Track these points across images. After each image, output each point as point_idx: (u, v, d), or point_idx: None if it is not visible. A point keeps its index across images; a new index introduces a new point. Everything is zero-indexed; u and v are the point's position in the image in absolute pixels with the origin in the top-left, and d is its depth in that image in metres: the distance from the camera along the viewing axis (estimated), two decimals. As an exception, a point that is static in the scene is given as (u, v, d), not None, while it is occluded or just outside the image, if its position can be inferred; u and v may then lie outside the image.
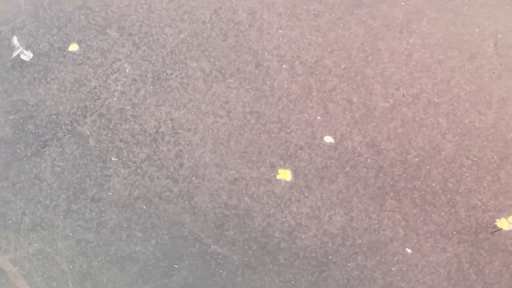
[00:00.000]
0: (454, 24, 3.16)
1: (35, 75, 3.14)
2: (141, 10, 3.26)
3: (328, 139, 2.99)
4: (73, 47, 3.18)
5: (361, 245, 2.85)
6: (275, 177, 2.95)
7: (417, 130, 2.98)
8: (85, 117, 3.06)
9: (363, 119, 3.01)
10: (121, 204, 2.94)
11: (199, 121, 3.03)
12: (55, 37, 3.21)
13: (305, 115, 3.02)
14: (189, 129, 3.02)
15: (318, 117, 3.02)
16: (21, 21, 3.25)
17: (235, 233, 2.89)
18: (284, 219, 2.89)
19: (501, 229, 2.84)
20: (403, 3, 3.21)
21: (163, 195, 2.94)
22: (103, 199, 2.95)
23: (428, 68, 3.08)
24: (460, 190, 2.90)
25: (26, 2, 3.29)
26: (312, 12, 3.21)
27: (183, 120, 3.03)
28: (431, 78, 3.07)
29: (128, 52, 3.17)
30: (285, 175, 2.96)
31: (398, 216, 2.88)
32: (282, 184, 2.94)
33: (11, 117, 3.08)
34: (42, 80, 3.13)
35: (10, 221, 2.93)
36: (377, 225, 2.87)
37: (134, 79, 3.12)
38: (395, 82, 3.07)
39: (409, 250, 2.83)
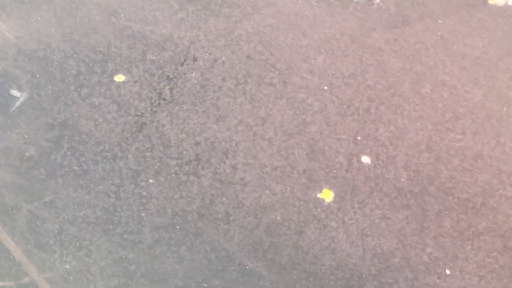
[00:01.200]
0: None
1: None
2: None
3: (365, 159, 2.99)
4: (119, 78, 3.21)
5: (403, 267, 2.82)
6: (317, 197, 2.94)
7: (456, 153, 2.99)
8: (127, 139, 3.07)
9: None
10: (158, 223, 2.92)
11: (241, 141, 3.04)
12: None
13: (344, 136, 3.03)
14: (228, 150, 3.02)
15: (358, 137, 3.03)
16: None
17: (275, 253, 2.86)
18: (329, 241, 2.86)
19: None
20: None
21: (201, 214, 2.92)
22: (139, 218, 2.93)
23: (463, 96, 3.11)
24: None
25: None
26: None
27: (222, 139, 3.04)
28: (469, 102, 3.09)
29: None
30: (327, 195, 2.95)
31: (442, 239, 2.85)
32: (325, 204, 2.93)
33: (47, 136, 3.08)
34: (86, 99, 3.14)
35: (46, 241, 2.90)
36: (421, 246, 2.84)
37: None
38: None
39: (448, 272, 2.80)
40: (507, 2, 3.21)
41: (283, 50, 3.21)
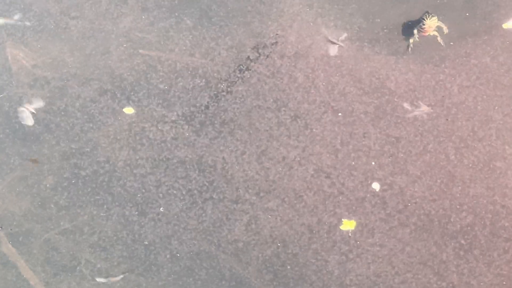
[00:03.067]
0: None
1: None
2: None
3: (376, 186, 2.99)
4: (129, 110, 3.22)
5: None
6: (339, 227, 2.96)
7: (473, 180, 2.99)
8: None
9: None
10: (178, 256, 2.94)
11: (259, 174, 3.05)
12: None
13: (353, 162, 3.04)
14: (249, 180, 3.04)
15: (373, 162, 3.04)
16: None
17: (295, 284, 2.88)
18: (354, 274, 2.88)
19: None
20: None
21: (221, 246, 2.94)
22: (159, 253, 2.95)
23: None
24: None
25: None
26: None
27: (247, 172, 3.05)
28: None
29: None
30: (349, 225, 2.96)
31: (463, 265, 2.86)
32: (348, 234, 2.95)
33: (62, 164, 3.11)
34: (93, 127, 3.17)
35: (63, 270, 2.93)
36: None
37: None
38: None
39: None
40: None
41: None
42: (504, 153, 3.00)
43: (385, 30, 3.27)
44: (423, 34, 3.21)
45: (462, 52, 3.18)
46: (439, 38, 3.20)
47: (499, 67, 3.15)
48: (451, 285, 2.85)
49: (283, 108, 3.14)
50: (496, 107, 3.08)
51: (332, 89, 3.16)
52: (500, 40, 3.19)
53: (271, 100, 3.16)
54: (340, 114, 3.13)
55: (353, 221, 2.94)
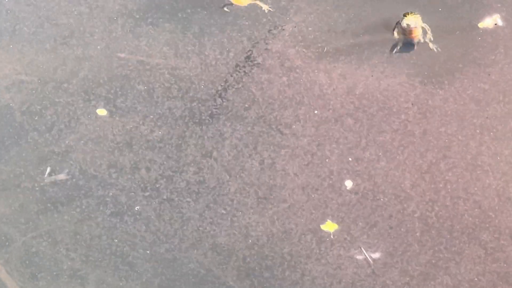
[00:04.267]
0: None
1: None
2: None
3: (348, 183, 3.00)
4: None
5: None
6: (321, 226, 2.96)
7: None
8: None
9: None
10: (150, 256, 2.94)
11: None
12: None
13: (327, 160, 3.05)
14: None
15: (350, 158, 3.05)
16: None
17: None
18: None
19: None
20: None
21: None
22: (137, 255, 2.94)
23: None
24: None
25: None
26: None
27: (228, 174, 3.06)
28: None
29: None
30: (331, 227, 2.96)
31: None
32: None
33: (41, 168, 3.10)
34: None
35: (41, 274, 2.92)
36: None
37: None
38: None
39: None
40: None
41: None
42: (489, 151, 3.01)
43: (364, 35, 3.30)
44: (411, 36, 3.18)
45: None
46: (431, 45, 3.20)
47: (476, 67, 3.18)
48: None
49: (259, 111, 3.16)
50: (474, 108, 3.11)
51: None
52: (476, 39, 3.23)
53: (253, 107, 3.18)
54: (316, 112, 3.15)
55: (335, 224, 2.94)
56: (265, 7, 3.31)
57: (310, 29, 3.33)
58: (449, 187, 2.94)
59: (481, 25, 3.24)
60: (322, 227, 2.92)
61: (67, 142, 3.13)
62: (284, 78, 3.21)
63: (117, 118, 3.17)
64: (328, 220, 2.93)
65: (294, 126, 3.11)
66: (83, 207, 3.01)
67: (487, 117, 3.06)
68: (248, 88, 3.21)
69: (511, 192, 2.91)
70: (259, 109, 3.16)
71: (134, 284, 2.89)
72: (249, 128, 3.12)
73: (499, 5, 3.27)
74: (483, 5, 3.28)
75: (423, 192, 2.94)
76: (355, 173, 3.00)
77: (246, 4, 3.33)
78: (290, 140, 3.08)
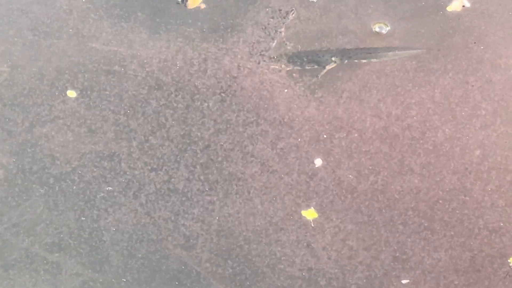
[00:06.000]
0: None
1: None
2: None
3: (318, 162, 3.03)
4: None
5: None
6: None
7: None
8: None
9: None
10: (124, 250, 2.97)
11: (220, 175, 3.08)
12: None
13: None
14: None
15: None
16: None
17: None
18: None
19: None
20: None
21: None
22: (111, 249, 2.97)
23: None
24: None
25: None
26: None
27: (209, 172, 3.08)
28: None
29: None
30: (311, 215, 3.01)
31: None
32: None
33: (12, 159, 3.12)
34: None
35: (13, 263, 2.95)
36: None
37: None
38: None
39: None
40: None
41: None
42: (443, 148, 3.05)
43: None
44: None
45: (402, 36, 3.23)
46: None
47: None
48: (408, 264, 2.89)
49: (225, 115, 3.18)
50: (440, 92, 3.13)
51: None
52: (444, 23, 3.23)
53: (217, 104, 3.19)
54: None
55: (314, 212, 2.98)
56: None
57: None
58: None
59: (449, 8, 3.25)
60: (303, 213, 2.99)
61: (38, 129, 3.15)
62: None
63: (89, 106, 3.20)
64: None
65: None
66: (55, 196, 3.04)
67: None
68: (217, 78, 3.23)
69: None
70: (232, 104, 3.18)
71: (109, 276, 2.93)
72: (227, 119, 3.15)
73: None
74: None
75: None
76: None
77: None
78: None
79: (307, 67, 3.21)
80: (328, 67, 3.20)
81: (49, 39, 3.33)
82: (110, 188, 3.03)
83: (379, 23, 3.29)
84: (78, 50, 3.30)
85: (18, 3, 3.44)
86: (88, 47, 3.31)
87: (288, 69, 3.22)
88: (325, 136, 3.07)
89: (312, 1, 3.34)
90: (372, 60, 3.19)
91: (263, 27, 3.30)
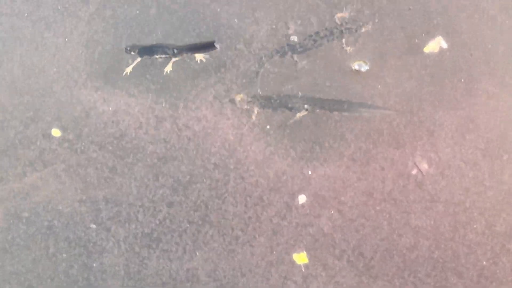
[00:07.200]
0: None
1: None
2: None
3: (302, 199, 3.17)
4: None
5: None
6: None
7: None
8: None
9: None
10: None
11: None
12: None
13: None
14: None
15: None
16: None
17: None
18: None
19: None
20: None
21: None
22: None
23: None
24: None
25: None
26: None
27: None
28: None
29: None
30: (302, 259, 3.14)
31: None
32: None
33: None
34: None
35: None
36: None
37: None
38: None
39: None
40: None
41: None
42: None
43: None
44: None
45: (382, 75, 3.32)
46: None
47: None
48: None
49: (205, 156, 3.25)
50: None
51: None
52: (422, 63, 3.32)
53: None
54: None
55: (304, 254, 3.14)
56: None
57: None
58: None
59: (426, 49, 3.32)
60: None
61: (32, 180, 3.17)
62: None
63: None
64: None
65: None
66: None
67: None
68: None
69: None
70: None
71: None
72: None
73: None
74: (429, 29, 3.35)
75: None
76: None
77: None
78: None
79: (278, 112, 3.26)
80: (299, 115, 3.26)
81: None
82: (94, 225, 3.10)
83: (359, 61, 3.36)
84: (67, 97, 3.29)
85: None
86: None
87: (258, 111, 3.27)
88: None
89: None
90: (344, 113, 3.25)
91: (237, 70, 3.34)
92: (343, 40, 3.28)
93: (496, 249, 3.15)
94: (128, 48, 3.21)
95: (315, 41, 3.32)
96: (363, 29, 3.31)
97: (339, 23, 3.32)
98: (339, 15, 3.34)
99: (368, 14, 3.31)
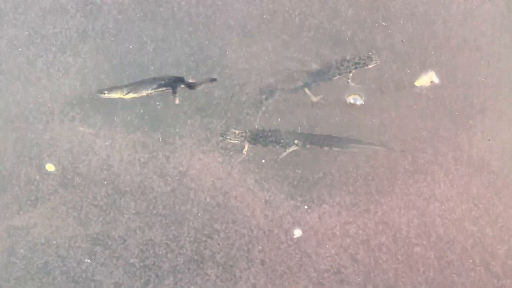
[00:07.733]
0: None
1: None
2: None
3: (297, 232, 3.19)
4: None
5: None
6: None
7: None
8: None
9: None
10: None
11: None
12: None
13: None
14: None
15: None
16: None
17: None
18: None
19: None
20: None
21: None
22: None
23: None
24: None
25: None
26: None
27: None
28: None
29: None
30: None
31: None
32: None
33: None
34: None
35: None
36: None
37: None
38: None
39: None
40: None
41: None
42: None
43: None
44: None
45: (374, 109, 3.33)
46: None
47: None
48: None
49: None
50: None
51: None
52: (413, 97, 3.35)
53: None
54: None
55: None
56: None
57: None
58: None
59: (417, 83, 3.34)
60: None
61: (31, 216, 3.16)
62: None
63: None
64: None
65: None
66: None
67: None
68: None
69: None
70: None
71: None
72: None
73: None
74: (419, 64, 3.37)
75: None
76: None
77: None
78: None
79: (269, 147, 3.25)
80: (289, 150, 3.24)
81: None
82: (88, 260, 3.11)
83: (354, 94, 3.36)
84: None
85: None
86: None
87: (249, 146, 3.26)
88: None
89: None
90: (334, 148, 3.25)
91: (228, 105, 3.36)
92: (350, 75, 3.29)
93: None
94: (106, 91, 3.22)
95: (323, 76, 3.33)
96: (371, 65, 3.32)
97: (348, 58, 3.33)
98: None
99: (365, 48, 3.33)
